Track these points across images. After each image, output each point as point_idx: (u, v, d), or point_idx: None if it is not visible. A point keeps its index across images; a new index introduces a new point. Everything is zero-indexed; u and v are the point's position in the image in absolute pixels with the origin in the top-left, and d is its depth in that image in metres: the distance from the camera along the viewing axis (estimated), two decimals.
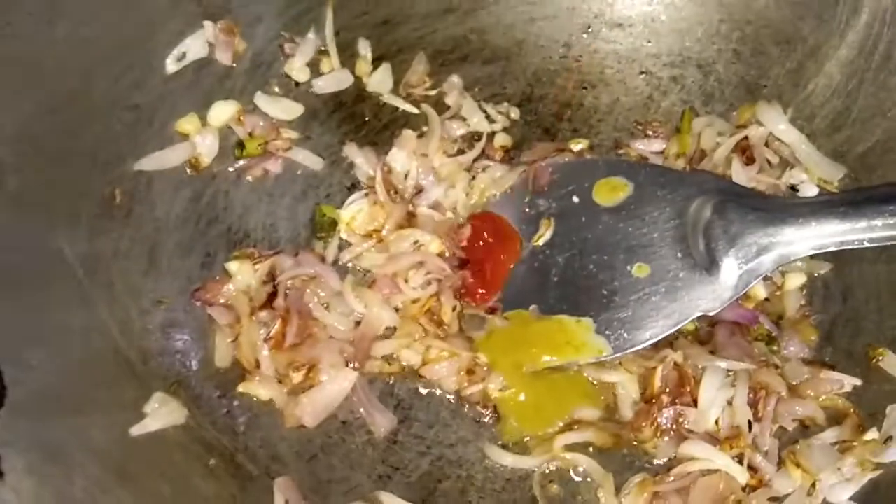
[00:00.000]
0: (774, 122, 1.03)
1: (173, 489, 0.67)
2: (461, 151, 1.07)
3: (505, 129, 1.09)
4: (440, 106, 1.08)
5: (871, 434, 0.83)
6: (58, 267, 0.71)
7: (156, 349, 0.78)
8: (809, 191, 1.01)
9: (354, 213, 1.00)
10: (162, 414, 0.72)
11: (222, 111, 0.95)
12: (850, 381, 0.88)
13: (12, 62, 0.70)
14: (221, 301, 0.87)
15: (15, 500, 0.49)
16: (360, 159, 1.03)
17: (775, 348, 0.93)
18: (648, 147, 1.09)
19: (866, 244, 0.81)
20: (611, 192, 0.99)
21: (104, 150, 0.81)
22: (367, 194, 1.01)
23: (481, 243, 0.98)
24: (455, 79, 1.09)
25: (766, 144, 1.04)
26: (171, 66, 0.89)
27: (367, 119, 1.06)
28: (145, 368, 0.75)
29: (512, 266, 0.98)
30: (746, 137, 1.03)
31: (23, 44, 0.71)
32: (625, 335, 0.90)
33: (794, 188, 1.02)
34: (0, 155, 0.67)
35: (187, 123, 0.92)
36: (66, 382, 0.65)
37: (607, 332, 0.91)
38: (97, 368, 0.70)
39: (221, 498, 0.72)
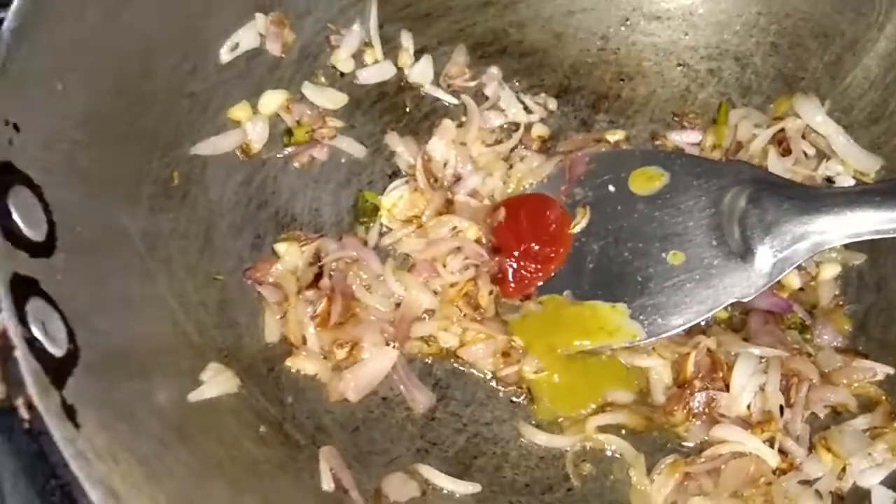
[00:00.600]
0: (811, 115, 1.04)
1: (227, 452, 0.71)
2: (499, 141, 1.10)
3: (542, 120, 1.12)
4: (479, 97, 1.11)
5: None
6: (121, 242, 0.76)
7: (211, 322, 0.82)
8: (846, 182, 1.01)
9: (395, 200, 1.03)
10: (217, 382, 0.76)
11: (272, 100, 0.99)
12: (882, 370, 0.89)
13: (81, 49, 0.75)
14: (270, 280, 0.91)
15: (90, 450, 0.53)
16: (401, 148, 1.06)
17: (808, 337, 0.94)
18: (685, 138, 1.11)
19: None
20: (647, 181, 1.01)
21: (163, 134, 0.86)
22: (407, 182, 1.04)
23: (515, 228, 1.00)
24: (494, 70, 1.12)
25: (803, 136, 1.05)
26: (224, 55, 0.93)
27: (408, 109, 1.10)
28: (201, 340, 0.79)
29: (556, 254, 1.00)
30: (783, 129, 1.04)
31: (90, 32, 0.76)
32: (658, 320, 0.92)
33: (830, 180, 1.03)
34: (73, 134, 0.71)
35: (239, 111, 0.96)
36: (129, 348, 0.69)
37: (641, 318, 0.93)
38: (157, 337, 0.74)
39: (271, 462, 0.75)
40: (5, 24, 0.68)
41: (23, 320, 0.55)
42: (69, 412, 0.54)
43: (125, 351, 0.67)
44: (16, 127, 0.65)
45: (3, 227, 0.58)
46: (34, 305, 0.57)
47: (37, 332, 0.55)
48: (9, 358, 0.53)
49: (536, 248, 0.99)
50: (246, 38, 0.96)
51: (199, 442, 0.68)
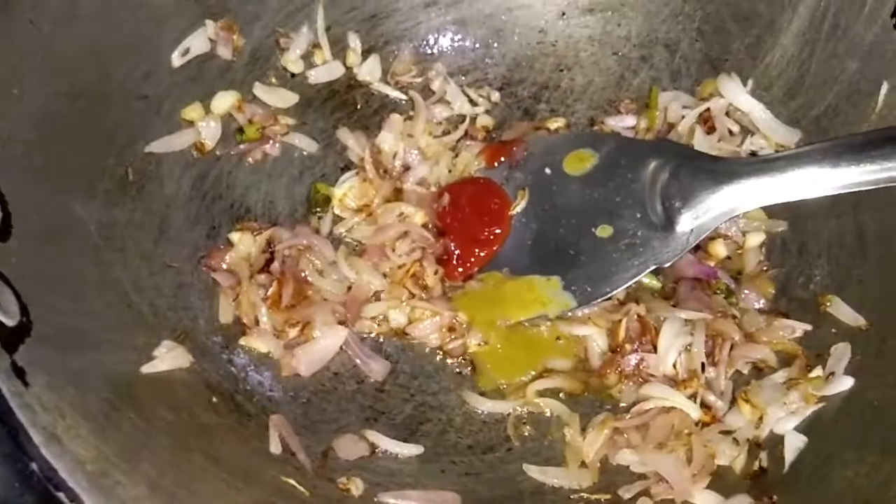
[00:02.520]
0: (734, 94, 1.10)
1: (176, 416, 0.77)
2: (446, 133, 1.16)
3: (487, 112, 1.19)
4: (426, 92, 1.18)
5: (817, 372, 0.89)
6: (76, 231, 0.82)
7: (165, 305, 0.89)
8: None
9: (346, 190, 1.10)
10: (169, 357, 0.82)
11: (224, 101, 1.05)
12: (801, 327, 0.95)
13: (36, 54, 0.82)
14: (224, 267, 0.98)
15: (38, 406, 0.59)
16: (352, 142, 1.13)
17: (734, 301, 1.00)
18: (621, 123, 1.17)
19: (801, 198, 0.89)
20: (579, 162, 1.07)
21: (118, 134, 0.92)
22: (357, 173, 1.11)
23: (458, 214, 1.06)
24: (439, 66, 1.19)
25: (728, 115, 1.11)
26: (176, 60, 1.00)
27: (358, 106, 1.17)
28: (156, 320, 0.86)
29: (495, 236, 1.06)
30: (709, 109, 1.11)
31: (45, 39, 0.83)
32: (588, 289, 0.98)
33: (754, 154, 1.10)
34: (27, 135, 0.78)
35: (192, 111, 1.02)
36: (83, 324, 0.75)
37: (573, 289, 0.99)
38: (111, 316, 0.81)
39: (221, 428, 0.82)
40: None
41: None
42: (19, 372, 0.60)
43: (79, 326, 0.74)
44: None
45: None
46: None
47: None
48: None
49: (478, 231, 1.06)
50: (196, 43, 1.02)
51: (149, 405, 0.74)
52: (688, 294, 1.00)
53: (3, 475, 0.58)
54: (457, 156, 1.15)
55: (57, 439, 0.58)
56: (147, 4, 0.95)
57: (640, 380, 0.95)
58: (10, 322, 0.64)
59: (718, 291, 1.00)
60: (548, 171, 1.08)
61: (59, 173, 0.82)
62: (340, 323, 0.99)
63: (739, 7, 1.13)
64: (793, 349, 0.94)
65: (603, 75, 1.20)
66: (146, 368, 0.80)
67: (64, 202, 0.82)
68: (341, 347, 0.97)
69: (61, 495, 0.58)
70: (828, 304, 0.95)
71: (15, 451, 0.57)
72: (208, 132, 1.03)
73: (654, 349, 0.95)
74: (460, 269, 1.05)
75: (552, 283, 1.00)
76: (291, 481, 0.82)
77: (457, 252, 1.05)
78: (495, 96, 1.20)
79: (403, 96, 1.18)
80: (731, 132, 1.11)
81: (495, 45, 1.22)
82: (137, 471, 0.67)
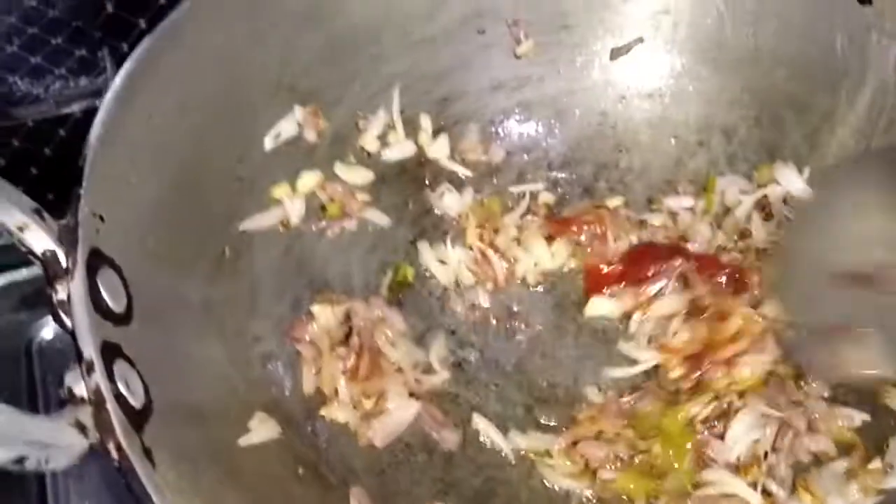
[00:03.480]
0: (791, 182, 1.15)
1: (271, 490, 0.83)
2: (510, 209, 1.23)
3: (547, 189, 1.25)
4: (491, 167, 1.24)
5: (875, 464, 0.92)
6: (183, 310, 0.89)
7: (255, 377, 0.95)
8: None
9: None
10: (262, 429, 0.88)
11: (308, 180, 1.13)
12: (860, 417, 0.97)
13: (149, 149, 0.90)
14: (307, 338, 1.04)
15: (164, 483, 0.65)
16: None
17: (802, 384, 1.03)
18: (679, 203, 1.22)
19: None
20: None
21: (216, 215, 1.00)
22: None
23: None
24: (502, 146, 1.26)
25: (784, 202, 1.16)
26: (268, 143, 1.08)
27: (427, 181, 1.23)
28: (247, 393, 0.92)
29: None
30: (766, 196, 1.15)
31: (157, 135, 0.91)
32: None
33: None
34: (143, 220, 0.85)
35: (280, 190, 1.10)
36: (189, 400, 0.82)
37: None
38: (212, 391, 0.87)
39: (308, 500, 0.87)
40: (92, 132, 0.83)
41: (111, 379, 0.68)
42: (147, 453, 0.66)
43: (186, 403, 0.80)
44: (101, 218, 0.79)
45: (94, 303, 0.72)
46: (119, 367, 0.70)
47: (122, 389, 0.68)
48: (101, 410, 0.65)
49: None
50: (286, 127, 1.10)
51: (249, 481, 0.80)
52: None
53: None
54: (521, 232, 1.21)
55: None
56: (247, 94, 1.03)
57: (702, 462, 0.98)
58: (137, 404, 0.70)
59: (788, 376, 1.03)
60: None
61: (169, 256, 0.89)
62: (411, 394, 1.04)
63: (797, 97, 1.18)
64: (851, 439, 0.97)
65: (661, 157, 1.26)
66: (243, 441, 0.86)
67: (171, 283, 0.89)
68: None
69: None
70: (886, 394, 0.98)
71: None
72: (293, 209, 1.10)
73: (723, 435, 0.98)
74: None
75: None
76: None
77: None
78: (556, 174, 1.26)
79: (469, 173, 1.24)
80: (787, 219, 1.15)
81: (557, 125, 1.28)
82: None
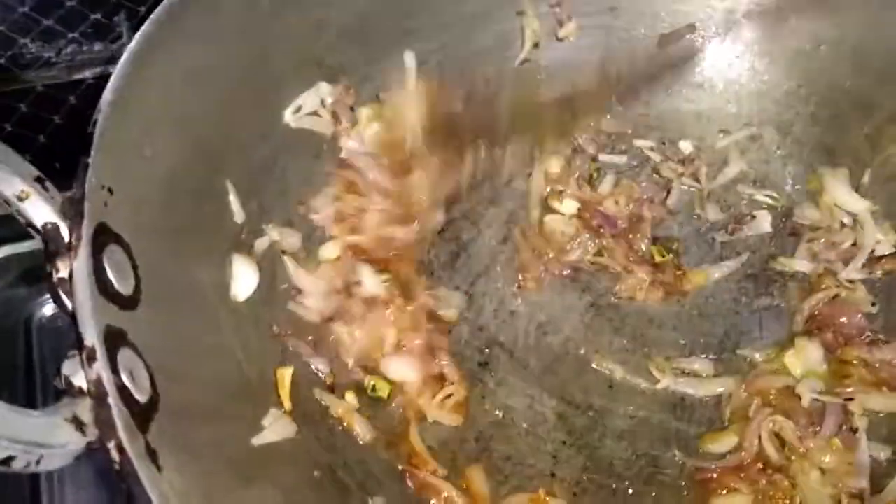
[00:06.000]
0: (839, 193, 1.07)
1: (285, 496, 0.76)
2: None
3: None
4: None
5: None
6: (195, 293, 0.82)
7: (271, 371, 0.88)
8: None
9: None
10: (276, 427, 0.81)
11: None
12: None
13: (167, 118, 0.82)
14: None
15: (170, 490, 0.58)
16: None
17: None
18: None
19: None
20: None
21: (234, 192, 0.93)
22: None
23: None
24: None
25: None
26: (289, 117, 1.01)
27: None
28: (262, 388, 0.85)
29: None
30: None
31: (175, 104, 0.83)
32: None
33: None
34: (157, 195, 0.78)
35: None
36: (199, 395, 0.75)
37: None
38: (223, 384, 0.80)
39: None
40: (104, 97, 0.75)
41: (114, 369, 0.60)
42: (152, 456, 0.59)
43: (195, 398, 0.73)
44: (110, 190, 0.71)
45: (99, 283, 0.64)
46: (123, 355, 0.63)
47: (126, 381, 0.61)
48: (101, 404, 0.58)
49: None
50: (309, 101, 1.03)
51: (261, 485, 0.73)
52: None
53: None
54: None
55: None
56: (272, 66, 0.96)
57: None
58: (143, 398, 0.63)
59: None
60: None
61: (183, 233, 0.82)
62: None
63: (860, 95, 1.10)
64: None
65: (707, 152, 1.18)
66: (256, 440, 0.79)
67: (184, 264, 0.82)
68: None
69: None
70: None
71: None
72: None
73: None
74: None
75: None
76: None
77: None
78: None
79: None
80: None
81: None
82: None
